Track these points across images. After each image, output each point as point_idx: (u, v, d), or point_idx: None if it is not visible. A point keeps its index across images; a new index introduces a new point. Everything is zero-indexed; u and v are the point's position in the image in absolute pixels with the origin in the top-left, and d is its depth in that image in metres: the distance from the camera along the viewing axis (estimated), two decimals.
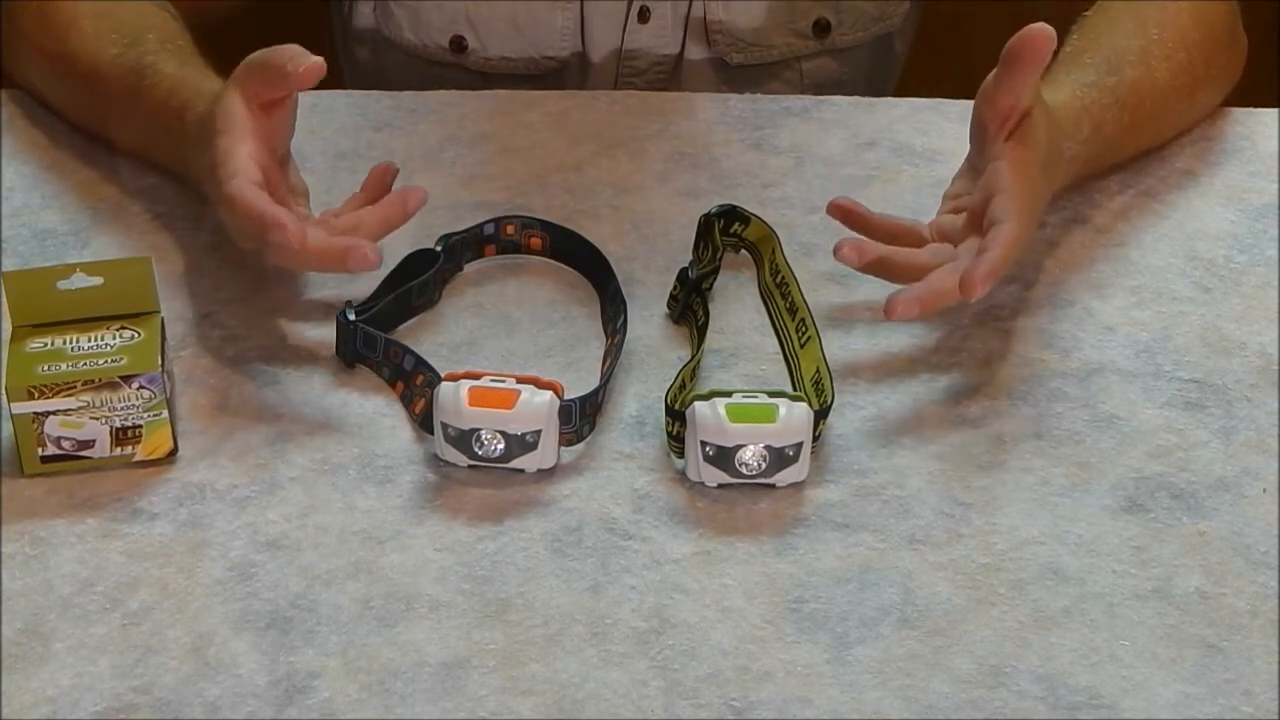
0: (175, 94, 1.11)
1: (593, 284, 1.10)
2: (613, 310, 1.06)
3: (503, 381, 0.96)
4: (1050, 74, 1.12)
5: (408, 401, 1.01)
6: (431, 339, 1.06)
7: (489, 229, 1.12)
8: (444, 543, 0.94)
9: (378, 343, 1.03)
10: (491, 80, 1.33)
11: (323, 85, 1.26)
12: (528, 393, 0.96)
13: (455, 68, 1.35)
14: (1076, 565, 0.93)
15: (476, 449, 0.96)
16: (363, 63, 1.40)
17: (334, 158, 1.20)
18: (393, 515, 0.95)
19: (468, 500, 0.96)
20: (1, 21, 1.23)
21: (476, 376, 0.96)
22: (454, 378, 0.96)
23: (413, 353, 1.02)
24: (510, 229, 1.12)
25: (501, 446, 0.96)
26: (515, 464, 0.96)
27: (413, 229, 1.09)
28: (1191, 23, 1.20)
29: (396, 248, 1.08)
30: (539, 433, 0.95)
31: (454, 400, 0.95)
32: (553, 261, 1.12)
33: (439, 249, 1.09)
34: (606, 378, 1.01)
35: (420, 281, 1.07)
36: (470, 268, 1.12)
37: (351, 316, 1.03)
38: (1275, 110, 1.26)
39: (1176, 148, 1.23)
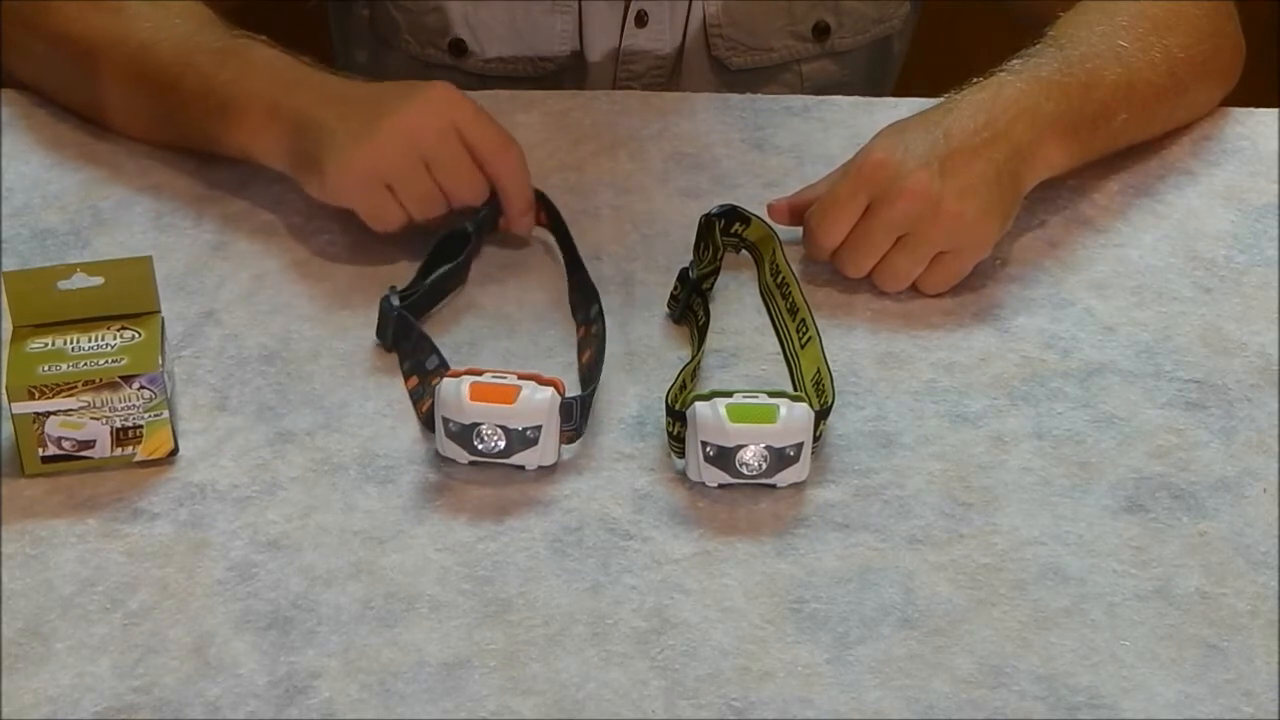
0: (281, 56, 1.12)
1: (567, 270, 1.11)
2: (580, 299, 1.07)
3: (504, 377, 0.96)
4: (1011, 68, 1.13)
5: (416, 398, 1.01)
6: (433, 339, 1.06)
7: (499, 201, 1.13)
8: (445, 543, 0.94)
9: (413, 332, 1.03)
10: (489, 84, 1.33)
11: None
12: (529, 389, 0.96)
13: (453, 71, 1.35)
14: (1077, 565, 0.93)
15: (477, 444, 0.96)
16: (361, 65, 1.40)
17: None
18: (393, 515, 0.95)
19: (468, 500, 0.96)
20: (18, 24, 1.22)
21: (478, 373, 0.97)
22: (455, 374, 0.97)
23: (438, 352, 1.02)
24: None
25: (502, 442, 0.96)
26: (516, 460, 0.96)
27: (411, 228, 1.10)
28: (1164, 14, 1.20)
29: (416, 237, 1.10)
30: (540, 428, 0.95)
31: (455, 395, 0.95)
32: (552, 261, 1.12)
33: (470, 229, 1.09)
34: (594, 372, 1.01)
35: (455, 265, 1.08)
36: (472, 270, 1.12)
37: (396, 302, 1.04)
38: (1275, 110, 1.26)
39: (1176, 148, 1.23)
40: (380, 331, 1.05)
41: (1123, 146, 1.19)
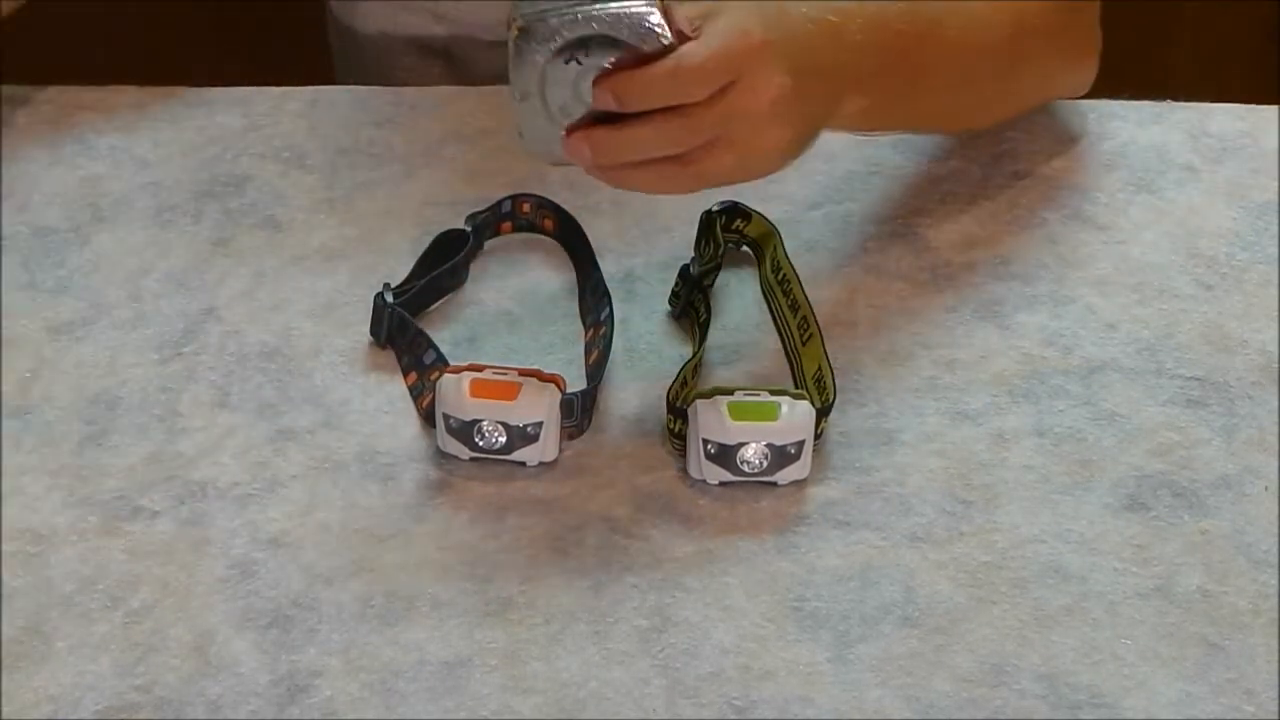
0: None
1: (578, 273, 1.11)
2: (593, 301, 1.07)
3: (505, 374, 0.96)
4: None
5: (416, 394, 1.01)
6: (433, 335, 1.06)
7: (506, 206, 1.13)
8: (446, 541, 0.94)
9: (409, 329, 1.03)
10: (457, 27, 1.30)
11: (323, 82, 1.27)
12: (530, 385, 0.96)
13: (423, 13, 1.32)
14: (1078, 563, 0.93)
15: (478, 440, 0.96)
16: (335, 11, 1.37)
17: (334, 154, 1.19)
18: (394, 513, 0.95)
19: (469, 498, 0.96)
20: None
21: (479, 369, 0.97)
22: (456, 370, 0.97)
23: (435, 348, 1.02)
24: (526, 207, 1.13)
25: (503, 438, 0.96)
26: (516, 456, 0.96)
27: (412, 225, 1.09)
28: None
29: (418, 233, 1.09)
30: (540, 424, 0.95)
31: (456, 391, 0.95)
32: (554, 258, 1.12)
33: (469, 229, 1.09)
34: (599, 370, 1.00)
35: (453, 264, 1.08)
36: (472, 266, 1.12)
37: (389, 299, 1.03)
38: (1276, 107, 1.26)
39: (1177, 145, 1.22)
40: (374, 328, 1.05)
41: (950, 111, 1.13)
